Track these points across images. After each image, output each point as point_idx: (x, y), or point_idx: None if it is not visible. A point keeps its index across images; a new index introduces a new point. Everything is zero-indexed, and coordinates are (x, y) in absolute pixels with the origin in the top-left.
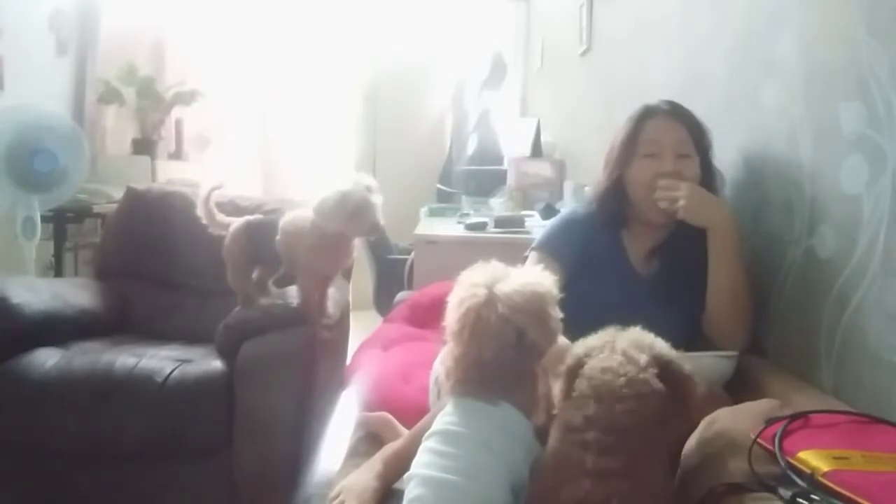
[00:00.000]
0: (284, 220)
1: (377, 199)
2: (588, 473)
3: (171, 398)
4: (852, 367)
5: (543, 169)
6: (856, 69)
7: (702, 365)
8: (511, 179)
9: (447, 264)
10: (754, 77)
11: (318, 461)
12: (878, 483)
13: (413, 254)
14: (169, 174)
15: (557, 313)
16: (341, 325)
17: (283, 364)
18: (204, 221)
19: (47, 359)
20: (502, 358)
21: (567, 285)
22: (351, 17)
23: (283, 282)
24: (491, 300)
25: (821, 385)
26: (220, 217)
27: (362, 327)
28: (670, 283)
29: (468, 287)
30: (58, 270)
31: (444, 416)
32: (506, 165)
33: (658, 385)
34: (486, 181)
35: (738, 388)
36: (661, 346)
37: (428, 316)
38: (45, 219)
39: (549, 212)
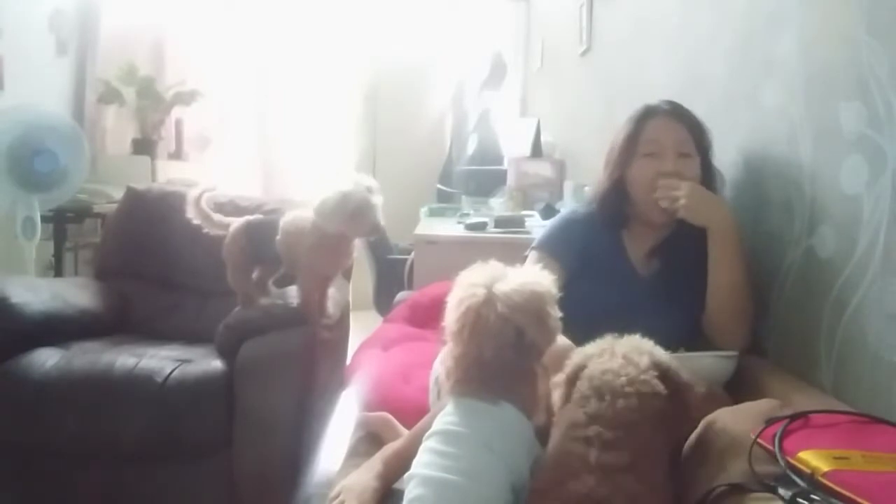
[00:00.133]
0: (285, 220)
1: (378, 200)
2: (591, 469)
3: (171, 398)
4: (852, 367)
5: (543, 169)
6: (856, 69)
7: (702, 365)
8: (511, 179)
9: (447, 264)
10: (754, 77)
11: (318, 461)
12: (878, 483)
13: (413, 254)
14: (169, 174)
15: (556, 312)
16: (341, 325)
17: (283, 364)
18: (195, 223)
19: (47, 359)
20: (502, 357)
21: (567, 285)
22: (351, 17)
23: (283, 282)
24: (490, 299)
25: (821, 385)
26: (218, 217)
27: (362, 327)
28: (670, 283)
29: (467, 287)
30: (58, 270)
31: (445, 416)
32: (506, 165)
33: (659, 387)
34: (486, 181)
35: (738, 388)
36: (660, 352)
37: (428, 316)
38: (45, 219)
39: (549, 212)
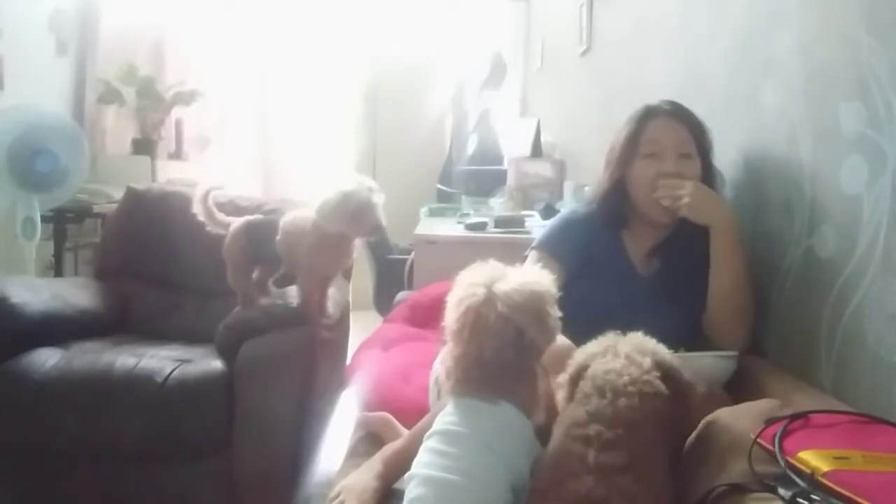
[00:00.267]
0: (285, 220)
1: (379, 200)
2: (590, 469)
3: (171, 398)
4: (852, 367)
5: (543, 169)
6: (856, 69)
7: (702, 365)
8: (511, 179)
9: (447, 264)
10: (754, 77)
11: (318, 461)
12: (878, 483)
13: (413, 254)
14: (169, 174)
15: (556, 312)
16: (341, 325)
17: (283, 364)
18: (201, 219)
19: (47, 359)
20: (502, 357)
21: (567, 285)
22: (351, 17)
23: (283, 282)
24: (490, 299)
25: (821, 385)
26: (220, 216)
27: (362, 327)
28: (671, 283)
29: (467, 286)
30: (58, 270)
31: (445, 416)
32: (506, 165)
33: (661, 387)
34: (486, 181)
35: (738, 388)
36: (663, 352)
37: (428, 316)
38: (45, 219)
39: (549, 212)
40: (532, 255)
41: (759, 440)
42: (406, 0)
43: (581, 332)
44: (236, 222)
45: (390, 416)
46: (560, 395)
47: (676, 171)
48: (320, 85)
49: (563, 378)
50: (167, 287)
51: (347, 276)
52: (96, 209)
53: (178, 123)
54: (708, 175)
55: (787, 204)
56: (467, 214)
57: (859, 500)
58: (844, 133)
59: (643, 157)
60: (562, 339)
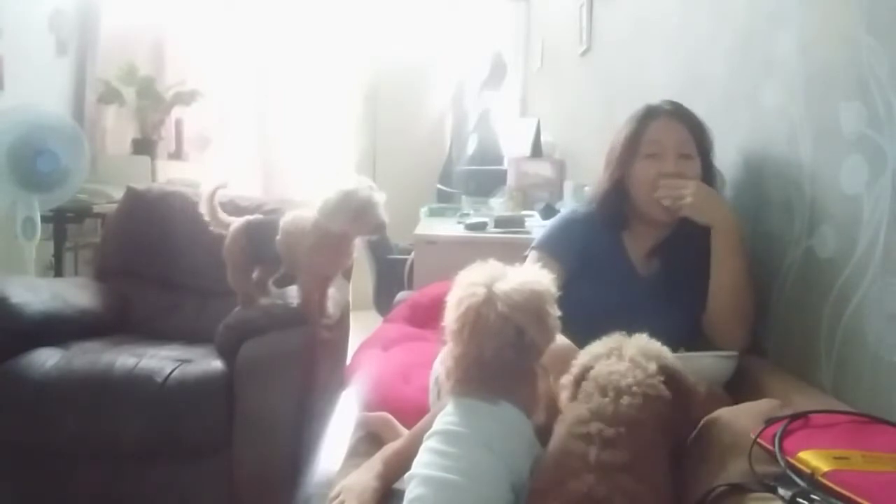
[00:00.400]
0: (285, 220)
1: (380, 198)
2: (591, 468)
3: (171, 398)
4: (852, 367)
5: (543, 169)
6: (856, 69)
7: (702, 365)
8: (511, 179)
9: (447, 264)
10: (754, 77)
11: (318, 461)
12: (878, 483)
13: (413, 254)
14: (169, 174)
15: (556, 311)
16: (341, 325)
17: (283, 364)
18: (206, 219)
19: (47, 359)
20: (502, 357)
21: (567, 285)
22: (351, 17)
23: (283, 282)
24: (490, 299)
25: (821, 385)
26: (223, 216)
27: (362, 327)
28: (670, 283)
29: (467, 286)
30: (58, 270)
31: (445, 416)
32: (506, 165)
33: (665, 392)
34: (486, 181)
35: (738, 388)
36: (668, 355)
37: (428, 316)
38: (45, 219)
39: (549, 212)
40: (532, 254)
41: (759, 440)
42: (406, 0)
43: (581, 332)
44: (236, 222)
45: (390, 416)
46: (564, 396)
47: (677, 172)
48: (320, 85)
49: (566, 379)
50: (167, 287)
51: (347, 276)
52: (96, 209)
53: (178, 123)
54: (708, 175)
55: (787, 204)
56: (467, 214)
57: (859, 500)
58: (844, 133)
59: (644, 157)
60: (562, 339)
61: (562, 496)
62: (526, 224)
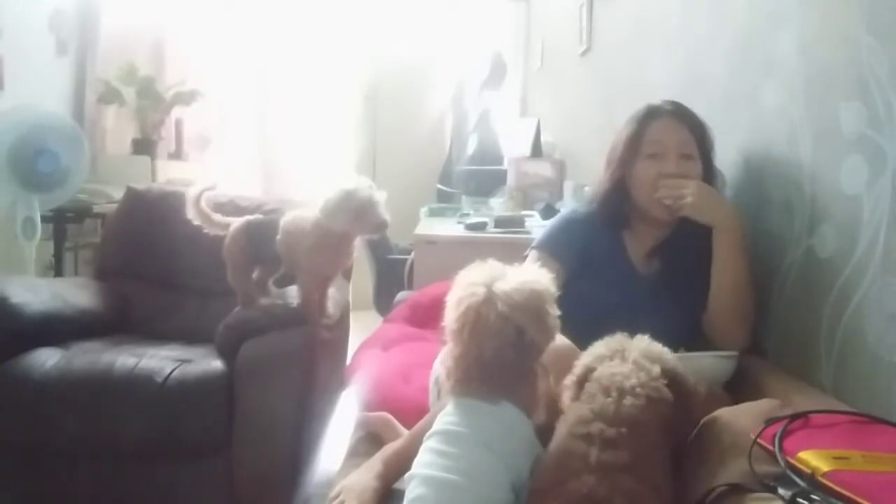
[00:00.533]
0: (285, 220)
1: (381, 197)
2: (592, 468)
3: (171, 398)
4: (852, 367)
5: (543, 169)
6: (856, 69)
7: (702, 365)
8: (511, 179)
9: (447, 264)
10: (754, 77)
11: (318, 461)
12: (878, 483)
13: (413, 254)
14: (169, 174)
15: (555, 311)
16: (341, 325)
17: (283, 364)
18: (195, 223)
19: (47, 359)
20: (502, 356)
21: (567, 285)
22: (351, 17)
23: (283, 282)
24: (490, 298)
25: (821, 385)
26: (217, 217)
27: (362, 327)
28: (671, 283)
29: (467, 286)
30: (58, 270)
31: (445, 416)
32: (506, 165)
33: (668, 395)
34: (486, 181)
35: (738, 388)
36: (671, 357)
37: (428, 316)
38: (45, 219)
39: (549, 212)
40: (532, 254)
41: (759, 440)
42: (406, 0)
43: (581, 332)
44: (236, 222)
45: (390, 416)
46: (566, 397)
47: (678, 172)
48: (320, 85)
49: (569, 380)
50: (167, 287)
51: (347, 276)
52: (96, 209)
53: (178, 123)
54: (709, 176)
55: (787, 204)
56: (467, 214)
57: (859, 500)
58: (844, 133)
59: (645, 158)
60: (562, 339)
61: (562, 496)
62: (526, 224)
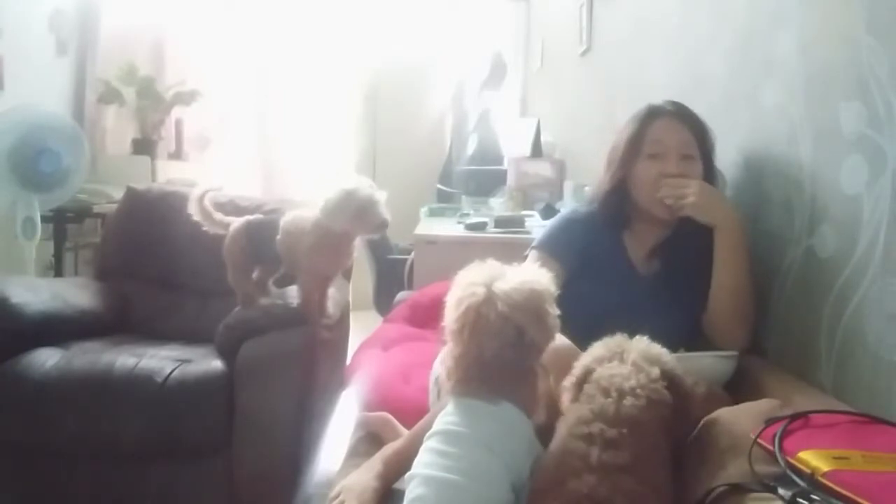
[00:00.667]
0: (285, 220)
1: (382, 196)
2: (592, 468)
3: (171, 398)
4: (852, 367)
5: (543, 169)
6: (856, 69)
7: (702, 365)
8: (511, 179)
9: (447, 264)
10: (754, 77)
11: (318, 461)
12: (878, 483)
13: (413, 254)
14: (169, 174)
15: (555, 310)
16: (341, 325)
17: (283, 364)
18: (196, 219)
19: (47, 359)
20: (502, 356)
21: (567, 285)
22: (351, 17)
23: (283, 282)
24: (490, 298)
25: (821, 385)
26: (219, 216)
27: (362, 327)
28: (671, 284)
29: (466, 286)
30: (58, 270)
31: (445, 416)
32: (506, 165)
33: (667, 397)
34: (486, 181)
35: (738, 388)
36: (670, 359)
37: (428, 316)
38: (45, 219)
39: (549, 212)
40: (532, 254)
41: (759, 440)
42: (406, 0)
43: (581, 332)
44: (236, 222)
45: (390, 416)
46: (565, 398)
47: (679, 172)
48: (320, 85)
49: (568, 381)
50: (167, 287)
51: (347, 276)
52: (96, 209)
53: (178, 123)
54: (709, 176)
55: (787, 204)
56: (467, 214)
57: (859, 500)
58: (844, 133)
59: (646, 158)
60: (562, 339)
61: (562, 496)
62: (526, 224)
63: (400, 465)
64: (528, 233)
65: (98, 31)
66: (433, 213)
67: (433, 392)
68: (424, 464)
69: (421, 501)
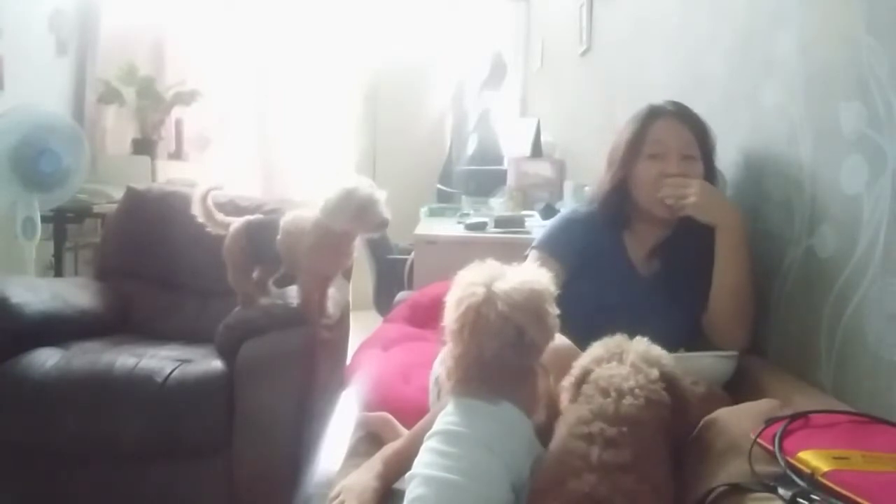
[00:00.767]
0: (285, 220)
1: (382, 196)
2: (593, 468)
3: (171, 398)
4: (852, 367)
5: (543, 169)
6: (856, 69)
7: (702, 365)
8: (511, 179)
9: (447, 264)
10: (754, 77)
11: (318, 461)
12: (878, 483)
13: (413, 254)
14: (169, 174)
15: (555, 310)
16: (341, 325)
17: (283, 364)
18: (200, 220)
19: (47, 359)
20: (502, 356)
21: (567, 285)
22: (351, 17)
23: (283, 282)
24: (490, 298)
25: (821, 385)
26: (220, 216)
27: (362, 327)
28: (671, 284)
29: (466, 286)
30: (58, 270)
31: (445, 416)
32: (506, 165)
33: (666, 398)
34: (486, 181)
35: (738, 388)
36: (668, 361)
37: (428, 316)
38: (45, 219)
39: (549, 212)
40: (532, 254)
41: (759, 440)
42: (406, 0)
43: (581, 331)
44: (236, 222)
45: (390, 416)
46: (564, 398)
47: (680, 172)
48: (320, 85)
49: (566, 381)
50: (167, 287)
51: (347, 276)
52: (96, 209)
53: (178, 123)
54: (710, 176)
55: (787, 204)
56: (467, 214)
57: (859, 500)
58: (844, 133)
59: (647, 158)
60: (561, 339)
61: (562, 496)
62: (526, 224)
63: (400, 465)
64: (528, 233)
65: (98, 31)
66: (433, 213)
67: (433, 392)
68: (424, 464)
69: (421, 501)
